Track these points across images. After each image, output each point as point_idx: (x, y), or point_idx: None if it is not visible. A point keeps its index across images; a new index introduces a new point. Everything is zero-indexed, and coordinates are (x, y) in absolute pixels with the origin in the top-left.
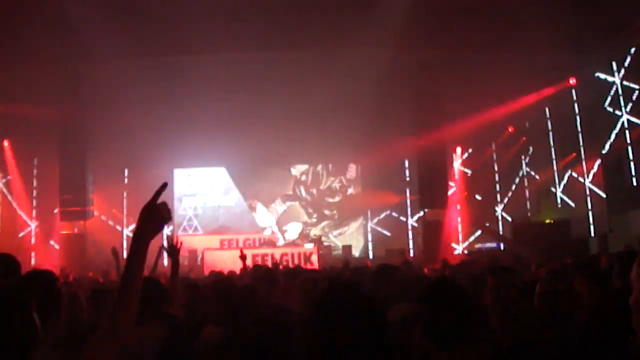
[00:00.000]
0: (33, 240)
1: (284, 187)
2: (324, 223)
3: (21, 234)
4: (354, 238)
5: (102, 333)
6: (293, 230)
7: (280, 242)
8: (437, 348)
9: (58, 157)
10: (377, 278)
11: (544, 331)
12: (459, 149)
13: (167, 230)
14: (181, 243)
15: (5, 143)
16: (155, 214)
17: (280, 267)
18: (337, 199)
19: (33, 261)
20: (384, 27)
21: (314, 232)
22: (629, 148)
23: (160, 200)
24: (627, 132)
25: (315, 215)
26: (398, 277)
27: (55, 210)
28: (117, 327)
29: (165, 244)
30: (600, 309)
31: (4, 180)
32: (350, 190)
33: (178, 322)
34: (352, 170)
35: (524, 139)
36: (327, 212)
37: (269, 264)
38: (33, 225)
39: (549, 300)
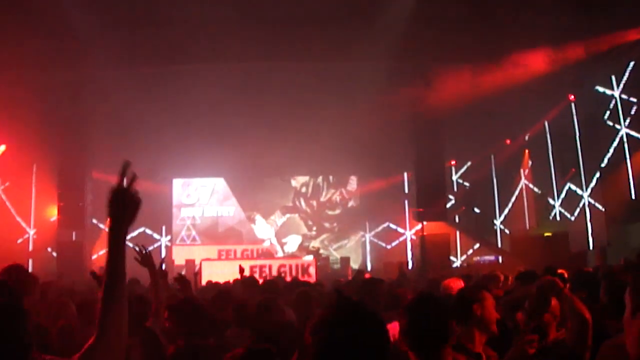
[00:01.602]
0: (31, 247)
1: (283, 198)
2: (324, 236)
3: (19, 241)
4: (354, 251)
5: (91, 341)
6: (292, 243)
7: (279, 254)
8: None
9: (57, 165)
10: (362, 292)
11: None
12: (458, 162)
13: (165, 241)
14: (149, 251)
15: (3, 147)
16: (128, 199)
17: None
18: (337, 211)
19: (30, 268)
20: (385, 38)
21: (313, 244)
22: (628, 161)
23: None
24: (626, 145)
25: (315, 228)
26: (383, 291)
27: (53, 218)
28: (106, 335)
29: (137, 253)
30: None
31: (2, 187)
32: (350, 203)
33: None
34: (353, 183)
35: (525, 152)
36: (327, 224)
37: (267, 275)
38: (31, 232)
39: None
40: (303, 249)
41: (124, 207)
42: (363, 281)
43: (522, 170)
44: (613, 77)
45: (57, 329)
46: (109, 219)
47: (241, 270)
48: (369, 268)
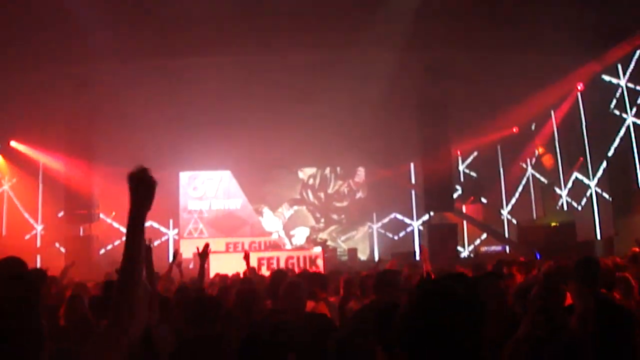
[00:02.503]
0: (39, 242)
1: (291, 190)
2: (332, 228)
3: (27, 237)
4: (361, 242)
5: (105, 328)
6: (300, 235)
7: (287, 246)
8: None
9: (63, 160)
10: (382, 282)
11: (536, 332)
12: (464, 152)
13: (173, 234)
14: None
15: (13, 143)
16: (146, 181)
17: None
18: (345, 203)
19: (38, 264)
20: (391, 30)
21: (321, 236)
22: (635, 151)
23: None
24: (632, 134)
25: (322, 220)
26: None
27: (61, 213)
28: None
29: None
30: (586, 315)
31: (9, 183)
32: (358, 195)
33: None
34: (360, 174)
35: (533, 142)
36: (335, 216)
37: (274, 267)
38: (39, 227)
39: (542, 303)
40: (311, 241)
41: (143, 190)
42: (383, 271)
43: (528, 160)
44: (619, 66)
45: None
46: (131, 203)
47: (246, 255)
48: (376, 259)
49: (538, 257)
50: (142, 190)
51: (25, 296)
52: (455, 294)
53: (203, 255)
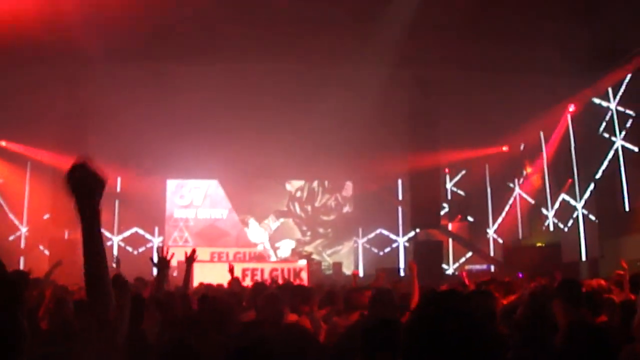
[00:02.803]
0: (23, 244)
1: (278, 202)
2: (318, 241)
3: (11, 238)
4: (346, 257)
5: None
6: (286, 248)
7: (272, 258)
8: None
9: (51, 162)
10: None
11: (521, 351)
12: (452, 170)
13: (157, 242)
14: (172, 255)
15: (3, 143)
16: (86, 177)
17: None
18: (332, 217)
19: (22, 266)
20: (383, 44)
21: (307, 249)
22: (622, 173)
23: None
24: (621, 157)
25: (309, 233)
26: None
27: (47, 216)
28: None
29: (154, 257)
30: (571, 333)
31: None
32: (345, 209)
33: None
34: (348, 188)
35: (521, 162)
36: (321, 230)
37: (259, 278)
38: (23, 229)
39: (528, 322)
40: (296, 254)
41: (89, 186)
42: (376, 290)
43: (516, 180)
44: (610, 89)
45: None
46: (77, 205)
47: (230, 268)
48: (361, 274)
49: (520, 276)
50: (84, 192)
51: (6, 299)
52: (464, 310)
53: (190, 260)
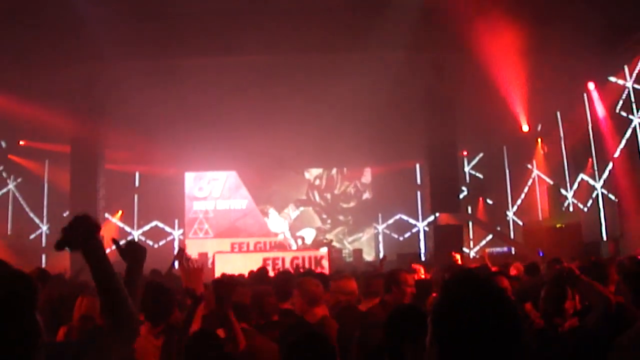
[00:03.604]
0: (44, 242)
1: (297, 191)
2: (339, 229)
3: (32, 236)
4: (369, 244)
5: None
6: (308, 237)
7: (293, 247)
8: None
9: (69, 159)
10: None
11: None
12: (470, 153)
13: (178, 234)
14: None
15: (22, 142)
16: (76, 228)
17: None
18: (352, 204)
19: (44, 264)
20: (399, 29)
21: (327, 237)
22: None
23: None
24: (638, 135)
25: (329, 221)
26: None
27: (66, 213)
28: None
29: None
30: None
31: (14, 183)
32: (365, 195)
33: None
34: (367, 175)
35: (537, 142)
36: (341, 217)
37: (280, 267)
38: (44, 227)
39: (552, 302)
40: (317, 243)
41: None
42: (391, 271)
43: (534, 161)
44: (626, 67)
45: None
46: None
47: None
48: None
49: (541, 254)
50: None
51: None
52: (492, 287)
53: (179, 256)
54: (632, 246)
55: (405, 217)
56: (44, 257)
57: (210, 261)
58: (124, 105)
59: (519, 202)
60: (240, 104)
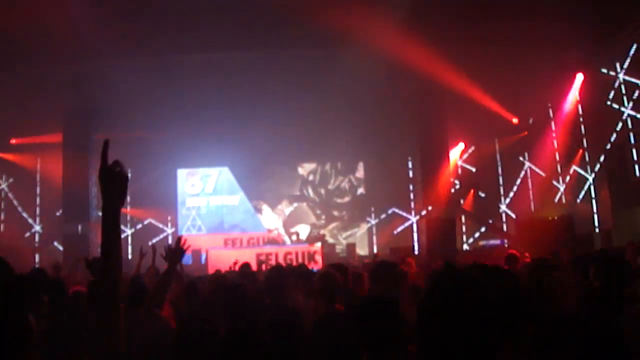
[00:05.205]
0: (37, 241)
1: (290, 187)
2: (333, 224)
3: (26, 235)
4: (363, 239)
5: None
6: (302, 233)
7: (287, 243)
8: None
9: (61, 158)
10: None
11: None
12: (462, 146)
13: (171, 232)
14: (188, 246)
15: (13, 141)
16: (115, 175)
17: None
18: (346, 199)
19: (37, 263)
20: (389, 23)
21: (320, 232)
22: (632, 143)
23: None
24: (630, 127)
25: (323, 217)
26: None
27: (59, 212)
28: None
29: (170, 245)
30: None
31: (7, 183)
32: (360, 190)
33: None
34: (361, 169)
35: (529, 135)
36: (336, 213)
37: (273, 262)
38: (37, 226)
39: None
40: (312, 238)
41: (117, 183)
42: (378, 262)
43: (526, 153)
44: (617, 59)
45: None
46: (103, 199)
47: (235, 262)
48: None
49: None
50: (115, 187)
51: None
52: (476, 281)
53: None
54: (624, 238)
55: (398, 211)
56: (37, 256)
57: (204, 257)
58: (115, 103)
59: (511, 194)
60: (233, 99)
